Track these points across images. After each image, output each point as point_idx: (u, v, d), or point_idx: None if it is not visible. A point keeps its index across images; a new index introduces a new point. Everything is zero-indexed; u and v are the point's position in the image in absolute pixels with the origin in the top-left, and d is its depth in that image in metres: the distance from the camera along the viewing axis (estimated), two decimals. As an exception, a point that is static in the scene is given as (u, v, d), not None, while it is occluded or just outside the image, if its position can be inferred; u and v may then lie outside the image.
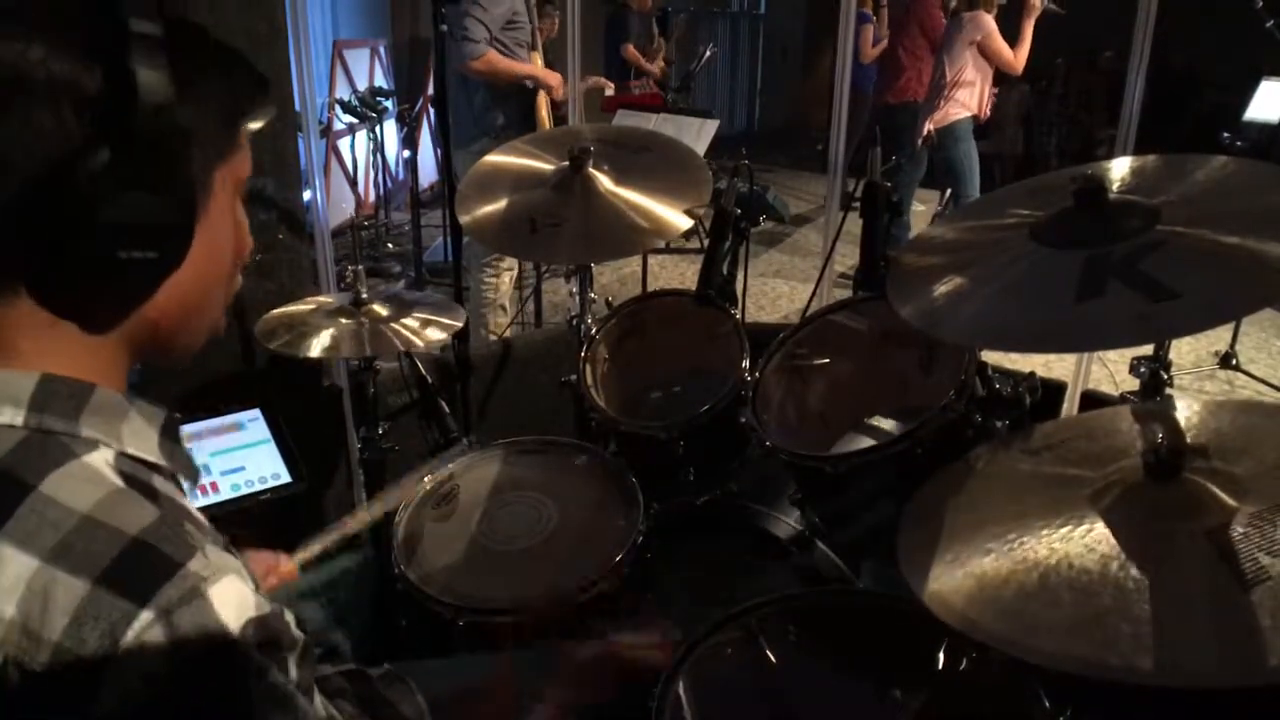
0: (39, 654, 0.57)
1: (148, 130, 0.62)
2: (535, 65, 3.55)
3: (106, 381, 0.69)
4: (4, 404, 0.63)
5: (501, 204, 1.86)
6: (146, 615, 0.58)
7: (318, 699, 0.70)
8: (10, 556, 0.59)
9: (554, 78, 3.47)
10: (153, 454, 0.69)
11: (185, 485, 0.74)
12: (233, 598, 0.62)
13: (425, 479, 1.63)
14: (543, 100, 3.51)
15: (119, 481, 0.64)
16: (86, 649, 0.57)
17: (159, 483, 0.68)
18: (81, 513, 0.61)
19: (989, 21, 4.50)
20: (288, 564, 1.24)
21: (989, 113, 4.86)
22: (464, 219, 1.86)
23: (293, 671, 0.67)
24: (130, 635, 0.58)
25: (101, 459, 0.65)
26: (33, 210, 0.61)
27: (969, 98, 4.61)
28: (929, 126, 4.66)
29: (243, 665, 0.61)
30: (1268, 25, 3.72)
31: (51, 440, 0.64)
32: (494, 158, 1.99)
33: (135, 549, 0.60)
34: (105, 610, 0.58)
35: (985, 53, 4.52)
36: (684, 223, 1.78)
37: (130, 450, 0.68)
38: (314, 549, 1.30)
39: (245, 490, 1.66)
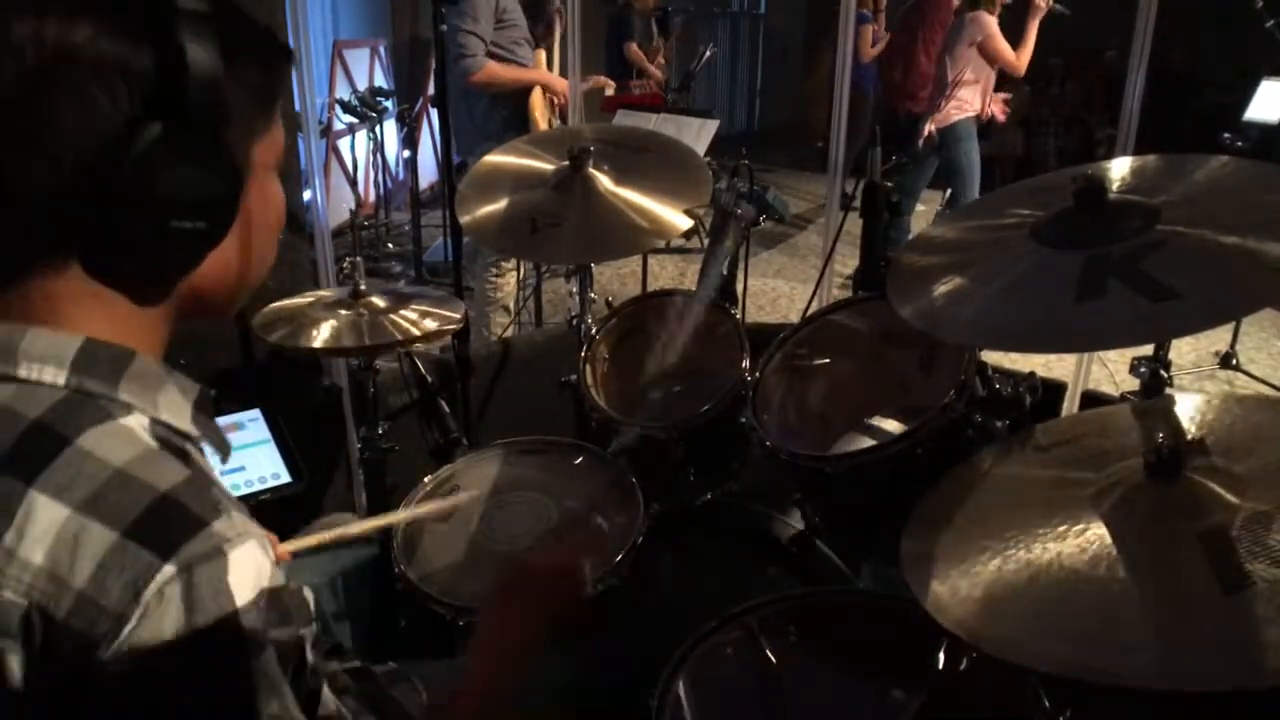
0: (63, 600, 0.59)
1: (196, 105, 0.64)
2: (538, 68, 3.52)
3: (147, 347, 0.70)
4: (48, 363, 0.65)
5: (501, 204, 1.86)
6: (169, 569, 0.60)
7: (327, 692, 0.70)
8: (44, 505, 0.60)
9: (560, 82, 3.44)
10: (185, 424, 0.71)
11: (216, 460, 0.75)
12: (251, 564, 0.63)
13: (426, 479, 1.63)
14: (535, 99, 3.47)
15: (153, 443, 0.65)
16: (108, 599, 0.59)
17: (191, 450, 0.69)
18: (115, 466, 0.62)
19: (990, 22, 4.47)
20: (281, 546, 1.24)
21: (1001, 115, 4.81)
22: (464, 219, 1.86)
23: (308, 653, 0.68)
24: (151, 589, 0.59)
25: (137, 422, 0.66)
26: (87, 183, 0.62)
27: (970, 97, 4.59)
28: (930, 127, 4.64)
29: (248, 633, 0.62)
30: (1268, 25, 3.72)
31: (90, 401, 0.66)
32: (494, 158, 1.98)
33: (164, 504, 0.62)
34: (130, 560, 0.59)
35: (986, 53, 4.49)
36: (684, 223, 1.78)
37: (164, 418, 0.69)
38: (309, 541, 1.30)
39: (245, 490, 1.66)
